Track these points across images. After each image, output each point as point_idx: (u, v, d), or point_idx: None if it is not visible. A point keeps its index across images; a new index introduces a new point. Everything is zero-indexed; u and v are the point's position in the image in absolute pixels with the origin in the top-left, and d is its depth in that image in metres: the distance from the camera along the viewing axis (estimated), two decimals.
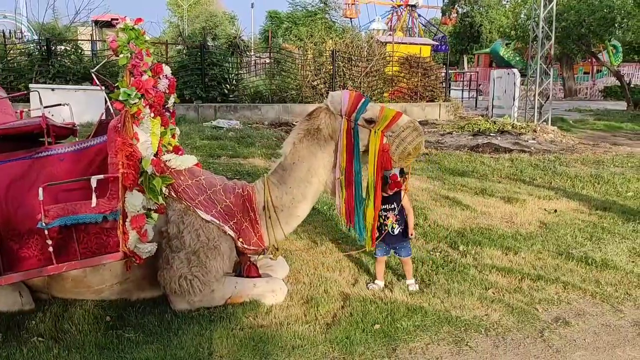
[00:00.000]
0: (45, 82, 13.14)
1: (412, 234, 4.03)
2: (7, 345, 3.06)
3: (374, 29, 33.14)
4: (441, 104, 17.42)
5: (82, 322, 3.28)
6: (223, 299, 3.57)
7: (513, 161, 9.65)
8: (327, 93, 14.91)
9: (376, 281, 4.03)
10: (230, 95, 15.16)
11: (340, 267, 4.39)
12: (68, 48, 14.61)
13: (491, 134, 13.39)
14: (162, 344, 3.09)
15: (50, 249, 2.96)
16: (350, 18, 43.89)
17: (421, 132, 3.65)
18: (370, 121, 3.56)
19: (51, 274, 3.13)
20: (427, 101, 17.64)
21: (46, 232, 2.93)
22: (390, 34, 27.07)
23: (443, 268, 4.39)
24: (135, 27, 3.25)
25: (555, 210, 6.27)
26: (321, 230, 5.34)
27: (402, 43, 19.01)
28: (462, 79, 31.50)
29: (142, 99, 3.14)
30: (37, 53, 14.13)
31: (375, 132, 3.54)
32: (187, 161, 3.55)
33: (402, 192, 3.86)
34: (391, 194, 3.83)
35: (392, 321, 3.44)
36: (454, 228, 5.52)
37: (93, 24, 31.38)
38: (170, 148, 3.58)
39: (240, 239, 3.58)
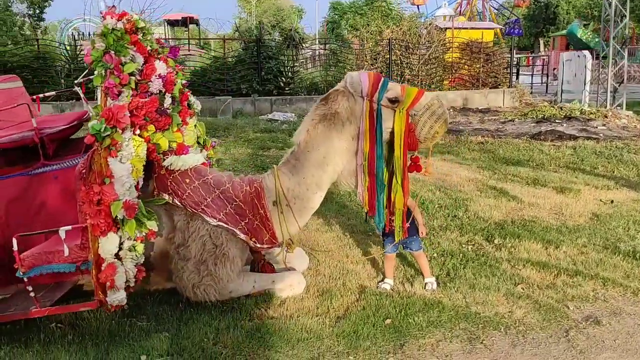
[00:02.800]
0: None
1: (423, 233, 3.81)
2: (27, 330, 3.20)
3: (440, 15, 32.30)
4: (505, 90, 16.69)
5: (100, 309, 3.36)
6: (243, 295, 3.56)
7: (575, 149, 9.08)
8: None
9: (386, 280, 3.84)
10: (286, 88, 15.23)
11: (364, 260, 4.28)
12: None
13: (556, 121, 12.68)
14: (171, 333, 3.14)
15: (32, 294, 2.93)
16: (417, 5, 42.92)
17: (446, 110, 3.47)
18: (394, 100, 3.39)
19: (35, 317, 3.08)
20: (490, 88, 16.97)
21: (25, 279, 2.92)
22: (456, 19, 26.28)
23: (473, 262, 4.19)
24: (117, 26, 3.07)
25: (612, 201, 5.85)
26: (354, 222, 5.25)
27: (463, 28, 18.35)
28: (535, 64, 30.07)
29: (115, 130, 2.92)
30: None
31: (400, 111, 3.38)
32: (190, 161, 3.45)
33: None
34: None
35: (405, 316, 3.32)
36: (495, 220, 5.26)
37: (165, 23, 32.46)
38: (175, 146, 3.43)
39: (253, 239, 3.51)
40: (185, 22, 31.66)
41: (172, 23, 31.46)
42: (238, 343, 3.03)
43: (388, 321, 3.27)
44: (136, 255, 3.03)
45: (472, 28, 19.18)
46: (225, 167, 7.79)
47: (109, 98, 3.00)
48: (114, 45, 3.06)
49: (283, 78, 15.18)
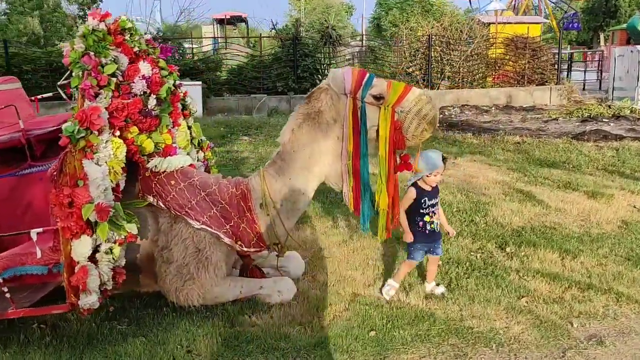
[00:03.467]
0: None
1: (452, 233, 3.74)
2: (10, 330, 3.22)
3: (492, 10, 31.46)
4: (552, 87, 15.98)
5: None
6: (229, 301, 3.48)
7: (618, 150, 8.56)
8: (423, 80, 14.34)
9: (392, 283, 3.64)
10: None
11: (364, 265, 4.12)
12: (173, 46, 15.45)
13: (604, 120, 12.03)
14: (148, 338, 3.08)
15: (8, 295, 2.91)
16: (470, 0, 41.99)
17: (435, 105, 3.30)
18: (378, 97, 3.25)
19: (11, 317, 3.03)
20: (536, 85, 16.30)
21: (1, 280, 2.92)
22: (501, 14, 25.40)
23: (479, 271, 3.96)
24: (99, 27, 3.05)
25: None
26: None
27: (507, 23, 17.68)
28: (592, 59, 28.72)
29: (90, 131, 2.87)
30: None
31: (385, 108, 3.24)
32: (176, 162, 3.40)
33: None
34: (434, 186, 3.49)
35: (391, 328, 3.15)
36: (514, 226, 4.98)
37: (214, 22, 33.00)
38: (161, 147, 3.40)
39: (239, 242, 3.42)
40: (233, 21, 32.13)
41: (221, 22, 31.95)
42: (212, 351, 2.95)
43: (372, 333, 3.11)
44: (113, 259, 2.98)
45: (517, 23, 18.47)
46: (250, 166, 7.76)
47: (86, 99, 2.96)
48: (94, 47, 3.04)
49: (319, 76, 15.05)
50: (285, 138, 3.45)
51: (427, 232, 3.50)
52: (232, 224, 3.41)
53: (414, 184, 3.49)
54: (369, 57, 16.51)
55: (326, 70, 15.58)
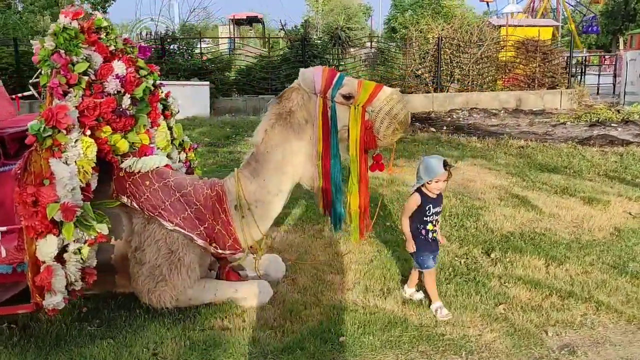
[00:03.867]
0: (159, 79, 14.13)
1: (442, 242, 3.58)
2: None
3: (507, 12, 31.23)
4: (563, 91, 15.78)
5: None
6: (203, 304, 3.47)
7: (622, 155, 8.41)
8: (433, 82, 14.28)
9: (434, 305, 3.41)
10: None
11: (346, 269, 4.09)
12: (180, 46, 15.56)
13: (612, 125, 11.86)
14: (116, 340, 3.08)
15: None
16: (487, 2, 41.68)
17: (406, 104, 3.26)
18: (348, 97, 3.22)
19: None
20: (547, 88, 16.11)
21: None
22: (526, 17, 25.20)
23: (461, 277, 3.90)
24: (71, 25, 3.05)
25: None
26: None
27: (518, 25, 17.52)
28: (610, 63, 28.31)
29: (56, 130, 2.84)
30: (153, 51, 15.23)
31: (355, 108, 3.21)
32: (151, 162, 3.39)
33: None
34: (437, 194, 3.37)
35: (362, 334, 3.11)
36: (503, 232, 4.91)
37: (230, 22, 33.17)
38: (137, 148, 3.41)
39: (214, 244, 3.41)
40: (250, 21, 32.26)
41: (238, 22, 32.11)
42: (178, 355, 2.93)
43: (342, 339, 3.08)
44: (81, 259, 2.99)
45: (528, 25, 18.29)
46: None
47: (55, 98, 2.97)
48: (65, 45, 3.05)
49: None
50: (259, 139, 3.42)
51: (429, 240, 3.41)
52: (206, 225, 3.40)
53: (418, 190, 3.39)
54: (379, 59, 16.44)
55: None
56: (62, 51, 3.02)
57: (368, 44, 19.00)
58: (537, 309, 3.42)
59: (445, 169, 3.28)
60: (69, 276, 2.93)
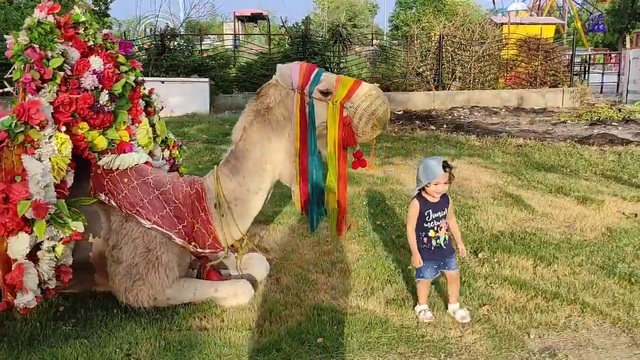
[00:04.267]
0: (159, 75, 14.13)
1: (463, 251, 3.36)
2: None
3: (512, 10, 31.07)
4: (565, 89, 15.66)
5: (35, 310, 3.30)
6: (183, 303, 3.43)
7: (620, 155, 8.32)
8: (434, 80, 14.25)
9: (418, 307, 3.32)
10: None
11: (331, 269, 4.04)
12: (181, 43, 15.53)
13: (613, 123, 11.76)
14: (90, 340, 3.03)
15: None
16: (493, 0, 41.50)
17: (385, 100, 3.19)
18: (326, 92, 3.17)
19: None
20: (549, 87, 15.99)
21: None
22: (531, 15, 25.01)
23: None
24: (46, 20, 3.02)
25: (636, 215, 5.25)
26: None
27: (520, 23, 17.38)
28: (616, 61, 28.06)
29: (28, 126, 2.81)
30: (153, 48, 15.21)
31: (333, 104, 3.16)
32: (129, 160, 3.34)
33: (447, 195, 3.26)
34: (439, 198, 3.19)
35: (340, 335, 3.06)
36: (494, 231, 4.85)
37: (235, 19, 33.13)
38: (116, 145, 3.38)
39: (193, 243, 3.36)
40: (255, 18, 32.20)
41: (242, 19, 32.07)
42: (152, 356, 2.89)
43: (320, 340, 3.03)
44: (55, 257, 2.95)
45: (530, 23, 18.15)
46: None
47: (28, 93, 2.93)
48: (39, 39, 3.01)
49: None
50: (237, 136, 3.38)
51: (432, 249, 3.20)
52: (185, 224, 3.35)
53: (418, 195, 3.23)
54: (380, 57, 16.36)
55: (335, 69, 15.50)
56: (36, 46, 2.98)
57: (366, 42, 18.93)
58: (521, 310, 3.36)
59: (445, 171, 3.09)
60: (42, 274, 2.89)
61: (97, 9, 20.93)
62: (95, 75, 3.22)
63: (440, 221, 3.22)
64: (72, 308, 3.40)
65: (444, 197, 3.24)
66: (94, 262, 3.42)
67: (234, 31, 28.36)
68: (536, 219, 5.24)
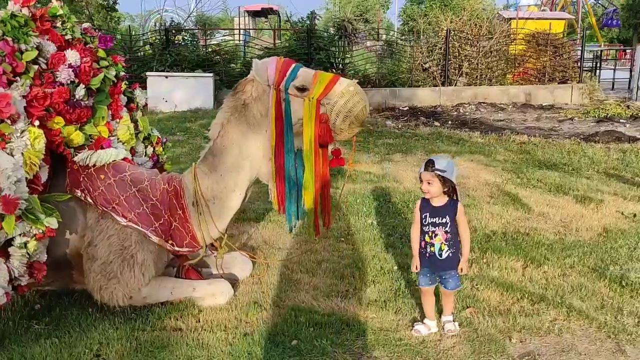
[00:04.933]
0: (163, 70, 14.10)
1: (462, 270, 3.00)
2: None
3: (524, 5, 30.73)
4: (574, 85, 15.42)
5: (8, 308, 3.26)
6: (159, 302, 3.37)
7: (625, 153, 8.15)
8: (441, 75, 14.09)
9: (425, 320, 3.08)
10: None
11: (317, 268, 3.96)
12: (185, 37, 15.49)
13: (621, 120, 11.55)
14: (61, 340, 2.97)
15: None
16: None
17: (364, 97, 3.10)
18: (302, 89, 3.10)
19: None
20: (558, 83, 15.76)
21: None
22: (544, 10, 24.69)
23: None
24: (21, 13, 2.96)
25: (635, 215, 5.12)
26: (333, 225, 4.91)
27: (529, 18, 17.14)
28: (631, 57, 27.67)
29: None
30: (158, 42, 15.19)
31: (309, 100, 3.08)
32: (106, 156, 3.28)
33: (458, 203, 3.00)
34: (442, 202, 2.95)
35: (315, 337, 2.99)
36: (486, 231, 4.75)
37: (245, 13, 33.04)
38: (93, 141, 3.30)
39: (170, 242, 3.30)
40: (265, 12, 32.10)
41: (253, 14, 31.99)
42: (121, 356, 2.83)
43: (294, 342, 2.96)
44: (28, 253, 2.90)
45: (538, 18, 17.88)
46: None
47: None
48: (12, 32, 2.96)
49: (333, 69, 14.88)
50: (215, 132, 3.32)
51: (427, 255, 2.98)
52: (162, 222, 3.30)
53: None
54: (386, 52, 16.22)
55: (341, 64, 15.40)
56: (9, 39, 2.94)
57: (377, 37, 18.78)
58: (504, 313, 3.26)
59: (427, 170, 2.88)
60: (12, 271, 2.84)
61: (105, 3, 20.97)
62: (71, 69, 3.16)
63: (437, 228, 2.94)
64: (48, 306, 3.36)
65: (452, 203, 2.98)
66: (72, 259, 3.37)
67: (239, 26, 28.22)
68: (531, 219, 5.13)
